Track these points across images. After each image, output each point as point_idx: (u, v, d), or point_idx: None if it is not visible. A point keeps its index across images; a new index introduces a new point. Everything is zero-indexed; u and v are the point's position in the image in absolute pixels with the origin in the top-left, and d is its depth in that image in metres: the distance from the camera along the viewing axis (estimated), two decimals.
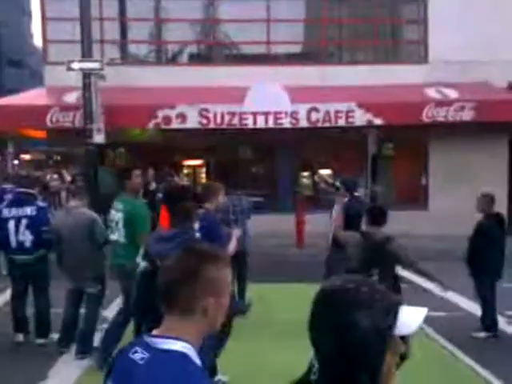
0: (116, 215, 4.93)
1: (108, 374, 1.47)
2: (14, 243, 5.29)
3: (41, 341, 5.30)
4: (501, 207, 12.86)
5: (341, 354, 1.13)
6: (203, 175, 15.27)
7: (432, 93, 12.45)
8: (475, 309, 6.79)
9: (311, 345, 1.20)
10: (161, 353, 1.37)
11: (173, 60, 14.18)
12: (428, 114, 12.06)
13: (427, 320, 4.47)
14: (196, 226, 3.89)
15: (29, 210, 5.32)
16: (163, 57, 14.23)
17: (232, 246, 4.56)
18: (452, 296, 7.39)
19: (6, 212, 5.33)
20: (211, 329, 1.48)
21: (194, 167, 15.43)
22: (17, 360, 4.97)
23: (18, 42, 40.67)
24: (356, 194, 6.17)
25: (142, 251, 3.57)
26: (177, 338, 1.39)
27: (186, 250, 1.53)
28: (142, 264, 3.41)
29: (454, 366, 5.06)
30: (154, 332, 1.44)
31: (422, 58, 13.35)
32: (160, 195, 6.24)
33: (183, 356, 1.36)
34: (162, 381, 1.31)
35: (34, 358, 4.97)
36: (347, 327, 1.13)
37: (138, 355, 1.39)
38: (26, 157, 36.12)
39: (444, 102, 12.11)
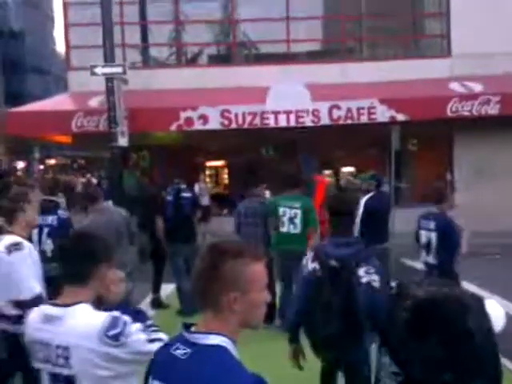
0: (291, 211, 5.70)
1: (149, 371, 1.51)
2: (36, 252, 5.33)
3: None
4: None
5: (453, 362, 1.08)
6: (225, 176, 15.34)
7: (456, 87, 12.26)
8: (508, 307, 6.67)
9: (395, 355, 1.13)
10: (202, 347, 1.41)
11: (193, 62, 14.27)
12: (452, 109, 11.88)
13: None
14: None
15: (50, 219, 5.31)
16: (184, 59, 14.32)
17: None
18: (484, 294, 7.29)
19: None
20: (247, 324, 1.49)
21: (216, 168, 15.50)
22: None
23: (41, 48, 41.45)
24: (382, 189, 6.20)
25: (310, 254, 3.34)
26: (215, 333, 1.43)
27: (208, 247, 1.53)
28: (312, 266, 3.21)
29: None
30: (193, 328, 1.48)
31: (445, 52, 13.15)
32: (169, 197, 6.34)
33: (223, 349, 1.42)
34: (206, 373, 1.36)
35: None
36: (463, 334, 1.08)
37: (180, 351, 1.43)
38: (51, 161, 36.77)
39: (469, 96, 11.90)
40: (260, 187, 6.15)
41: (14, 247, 3.29)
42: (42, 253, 5.23)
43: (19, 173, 30.56)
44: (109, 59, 10.57)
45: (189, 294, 6.39)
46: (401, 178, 12.67)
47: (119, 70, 10.59)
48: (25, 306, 3.15)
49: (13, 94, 33.60)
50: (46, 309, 1.88)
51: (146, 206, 6.75)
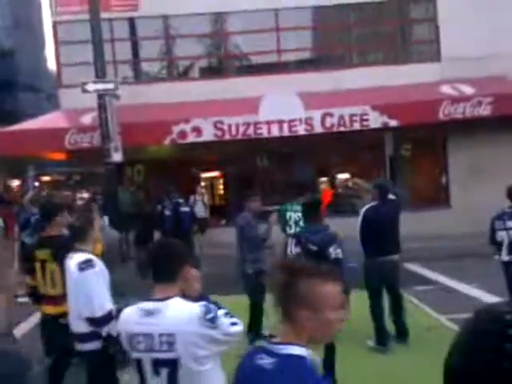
0: (295, 214, 6.27)
1: (236, 381, 1.64)
2: None
3: None
4: None
5: None
6: (221, 186, 15.33)
7: (447, 90, 12.33)
8: None
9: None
10: (285, 357, 1.53)
11: (185, 75, 14.29)
12: (445, 112, 11.93)
13: (458, 322, 4.34)
14: None
15: None
16: (175, 73, 14.35)
17: None
18: (482, 295, 7.26)
19: (28, 240, 5.38)
20: (315, 340, 1.61)
21: (211, 179, 15.49)
22: None
23: (33, 67, 41.47)
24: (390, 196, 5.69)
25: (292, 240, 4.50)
26: (296, 344, 1.55)
27: (282, 265, 1.67)
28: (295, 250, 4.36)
29: None
30: (274, 339, 1.61)
31: (435, 56, 13.24)
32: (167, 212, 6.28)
33: (304, 359, 1.54)
34: (293, 381, 1.48)
35: None
36: None
37: (265, 361, 1.54)
38: (46, 178, 36.65)
39: (460, 98, 11.97)
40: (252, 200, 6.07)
41: (85, 265, 3.39)
42: None
43: (14, 191, 30.46)
44: (100, 75, 10.58)
45: None
46: (396, 183, 12.68)
47: (111, 86, 10.60)
48: (97, 323, 3.31)
49: (6, 113, 33.58)
50: (143, 305, 2.15)
51: (144, 221, 6.73)
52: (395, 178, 12.48)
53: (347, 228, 12.05)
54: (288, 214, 6.32)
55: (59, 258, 3.65)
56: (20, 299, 6.12)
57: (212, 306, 2.15)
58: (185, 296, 2.25)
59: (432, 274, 8.62)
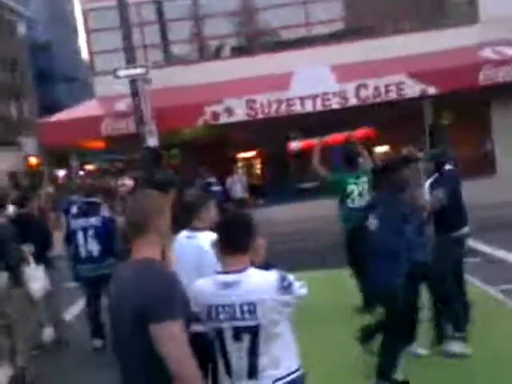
0: (359, 185, 5.76)
1: None
2: (83, 253, 5.44)
3: None
4: None
5: None
6: (258, 166, 15.28)
7: (487, 53, 11.76)
8: None
9: None
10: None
11: (214, 55, 14.20)
12: (485, 76, 11.41)
13: (507, 293, 4.12)
14: None
15: (94, 221, 5.42)
16: (204, 53, 14.28)
17: None
18: None
19: (73, 224, 5.49)
20: None
21: (248, 159, 15.46)
22: (97, 366, 5.13)
23: (70, 58, 42.31)
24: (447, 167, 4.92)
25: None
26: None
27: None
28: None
29: None
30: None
31: (473, 18, 12.62)
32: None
33: None
34: None
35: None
36: None
37: None
38: (90, 167, 37.61)
39: (501, 62, 11.41)
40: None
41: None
42: (89, 253, 5.40)
43: (60, 181, 31.30)
44: (130, 61, 10.66)
45: None
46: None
47: (142, 70, 10.67)
48: None
49: (47, 104, 34.46)
50: (220, 278, 2.24)
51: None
52: (436, 147, 12.07)
53: None
54: (350, 187, 5.76)
55: None
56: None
57: (284, 273, 2.26)
58: (253, 264, 2.33)
59: (479, 245, 8.32)
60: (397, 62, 11.88)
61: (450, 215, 4.63)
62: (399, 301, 3.92)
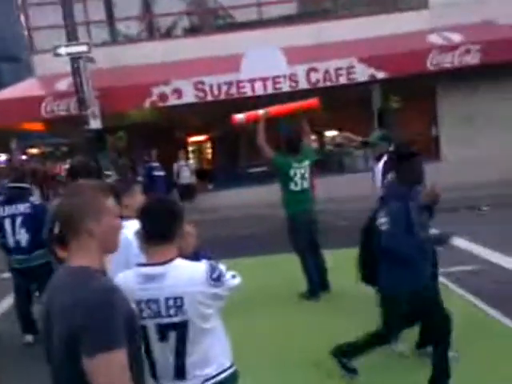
0: (301, 166, 5.58)
1: None
2: (11, 243, 5.02)
3: None
4: None
5: None
6: (209, 150, 14.99)
7: (435, 39, 11.90)
8: (498, 259, 6.50)
9: None
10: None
11: (163, 35, 13.72)
12: (433, 62, 11.55)
13: (450, 276, 4.07)
14: None
15: (22, 208, 4.99)
16: (152, 33, 13.76)
17: None
18: (475, 247, 7.12)
19: (0, 211, 5.08)
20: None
21: (199, 143, 15.14)
22: (27, 361, 4.83)
23: (10, 36, 40.21)
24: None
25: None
26: None
27: None
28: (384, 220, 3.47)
29: (484, 322, 4.78)
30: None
31: (422, 4, 12.71)
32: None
33: None
34: None
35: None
36: None
37: None
38: (34, 151, 36.02)
39: (448, 47, 11.58)
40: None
41: None
42: (17, 243, 4.97)
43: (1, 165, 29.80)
44: (71, 38, 10.11)
45: None
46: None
47: (83, 48, 10.15)
48: None
49: None
50: (142, 270, 2.03)
51: None
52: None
53: (335, 187, 11.86)
54: (292, 171, 5.56)
55: None
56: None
57: (214, 263, 2.11)
58: (181, 254, 2.14)
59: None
60: (347, 45, 11.84)
61: None
62: (437, 308, 3.54)
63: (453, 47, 11.55)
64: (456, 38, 11.75)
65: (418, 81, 11.63)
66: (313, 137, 13.84)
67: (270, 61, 11.48)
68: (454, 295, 5.29)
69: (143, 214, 2.10)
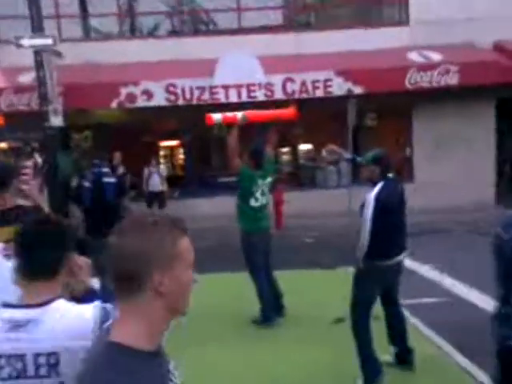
0: (264, 182, 5.31)
1: None
2: None
3: None
4: (489, 174, 12.36)
5: None
6: (181, 156, 14.51)
7: (415, 56, 11.70)
8: (465, 292, 6.17)
9: None
10: None
11: (138, 34, 13.25)
12: (411, 80, 11.35)
13: (412, 308, 3.62)
14: None
15: None
16: (133, 32, 13.29)
17: None
18: (442, 277, 6.81)
19: None
20: None
21: (171, 148, 14.66)
22: None
23: None
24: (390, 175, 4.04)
25: None
26: None
27: None
28: None
29: (447, 367, 4.41)
30: None
31: (403, 20, 12.53)
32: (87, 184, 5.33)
33: None
34: None
35: None
36: None
37: None
38: (2, 145, 35.00)
39: (427, 66, 11.39)
40: None
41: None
42: None
43: None
44: (36, 30, 9.56)
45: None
46: (359, 154, 12.12)
47: (48, 41, 9.60)
48: None
49: None
50: (8, 314, 1.53)
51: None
52: (358, 148, 11.90)
53: (308, 202, 11.49)
54: (255, 187, 5.23)
55: None
56: None
57: (109, 307, 1.61)
58: (69, 293, 1.70)
59: None
60: (326, 57, 11.55)
61: (398, 236, 4.14)
62: None
63: (432, 66, 11.36)
64: (436, 57, 11.58)
65: (395, 98, 11.41)
66: (285, 149, 13.61)
67: (245, 68, 11.11)
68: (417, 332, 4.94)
69: (17, 241, 1.63)
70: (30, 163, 16.57)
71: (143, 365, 1.13)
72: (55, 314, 1.53)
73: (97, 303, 1.61)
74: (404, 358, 4.14)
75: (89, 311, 1.57)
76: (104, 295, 1.74)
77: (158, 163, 12.58)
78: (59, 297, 1.59)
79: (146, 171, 11.87)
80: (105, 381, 1.11)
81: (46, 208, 3.59)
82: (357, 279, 4.00)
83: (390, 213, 3.84)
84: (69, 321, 1.54)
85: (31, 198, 3.49)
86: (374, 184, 3.92)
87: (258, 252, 5.28)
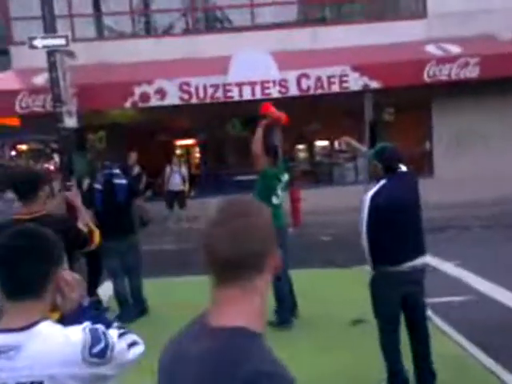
0: (283, 182, 5.26)
1: None
2: None
3: None
4: (510, 167, 12.04)
5: None
6: (197, 155, 14.43)
7: (433, 49, 11.43)
8: (490, 290, 5.95)
9: None
10: None
11: (152, 33, 13.19)
12: (429, 73, 11.08)
13: (434, 307, 3.41)
14: None
15: None
16: (141, 29, 13.24)
17: None
18: (465, 275, 6.59)
19: None
20: None
21: (186, 147, 14.58)
22: None
23: None
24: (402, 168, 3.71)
25: None
26: None
27: None
28: None
29: (470, 367, 4.22)
30: None
31: (421, 12, 12.25)
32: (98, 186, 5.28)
33: None
34: None
35: None
36: None
37: None
38: (23, 147, 35.34)
39: (446, 59, 11.11)
40: None
41: None
42: None
43: None
44: (49, 30, 9.52)
45: (127, 298, 5.58)
46: None
47: (61, 41, 9.53)
48: None
49: None
50: None
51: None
52: (375, 144, 11.70)
53: (325, 199, 11.32)
54: (278, 184, 5.19)
55: None
56: None
57: (101, 329, 1.47)
58: (55, 311, 1.55)
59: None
60: (341, 52, 11.35)
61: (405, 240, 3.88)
62: None
63: (451, 59, 11.08)
64: (454, 49, 11.29)
65: (413, 92, 11.16)
66: (301, 146, 13.44)
67: (259, 65, 10.97)
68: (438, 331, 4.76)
69: (2, 257, 1.46)
70: (50, 165, 16.54)
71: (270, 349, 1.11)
72: (39, 338, 1.40)
73: (86, 324, 1.47)
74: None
75: (76, 335, 1.42)
76: (95, 314, 1.61)
77: (180, 162, 12.39)
78: (44, 318, 1.44)
79: (167, 170, 11.78)
80: (277, 362, 1.07)
81: (86, 219, 3.34)
82: (371, 287, 3.68)
83: (393, 213, 3.42)
84: (54, 346, 1.39)
85: (77, 207, 3.38)
86: (378, 181, 3.59)
87: (283, 250, 5.17)
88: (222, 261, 1.09)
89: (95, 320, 1.54)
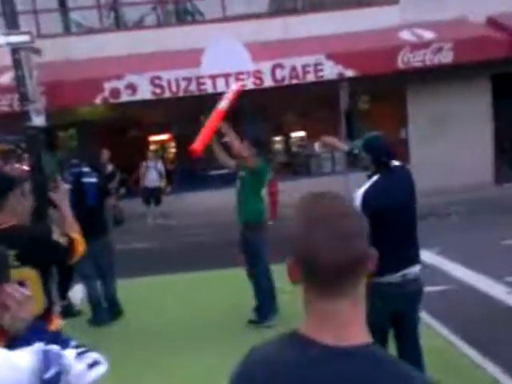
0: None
1: None
2: None
3: None
4: (486, 153, 12.10)
5: None
6: (173, 150, 14.18)
7: (407, 36, 11.36)
8: (471, 278, 5.90)
9: None
10: None
11: (120, 26, 12.85)
12: (404, 60, 11.02)
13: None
14: None
15: None
16: (106, 23, 12.88)
17: None
18: (442, 263, 6.54)
19: None
20: None
21: (161, 142, 14.30)
22: None
23: None
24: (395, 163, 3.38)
25: None
26: None
27: None
28: None
29: (455, 361, 4.15)
30: None
31: None
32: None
33: None
34: None
35: None
36: None
37: None
38: None
39: (420, 45, 11.05)
40: None
41: None
42: None
43: None
44: (11, 26, 9.16)
45: (99, 300, 5.38)
46: (353, 139, 11.82)
47: (25, 38, 9.19)
48: None
49: None
50: None
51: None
52: (352, 133, 11.61)
53: (303, 190, 11.23)
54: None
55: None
56: None
57: (54, 351, 1.30)
58: (2, 332, 1.38)
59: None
60: (315, 41, 11.20)
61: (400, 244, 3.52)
62: None
63: (424, 45, 11.04)
64: (428, 35, 11.24)
65: (387, 80, 11.09)
66: (278, 138, 13.30)
67: (233, 56, 10.74)
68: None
69: None
70: (23, 166, 16.11)
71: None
72: None
73: (37, 346, 1.30)
74: None
75: (25, 359, 1.26)
76: (50, 333, 1.44)
77: (156, 158, 12.07)
78: None
79: (143, 166, 11.49)
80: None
81: (74, 226, 2.86)
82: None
83: (383, 216, 2.95)
84: (2, 371, 1.23)
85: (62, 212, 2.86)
86: (369, 177, 3.24)
87: (267, 244, 5.05)
88: (334, 266, 0.96)
89: (49, 340, 1.37)
